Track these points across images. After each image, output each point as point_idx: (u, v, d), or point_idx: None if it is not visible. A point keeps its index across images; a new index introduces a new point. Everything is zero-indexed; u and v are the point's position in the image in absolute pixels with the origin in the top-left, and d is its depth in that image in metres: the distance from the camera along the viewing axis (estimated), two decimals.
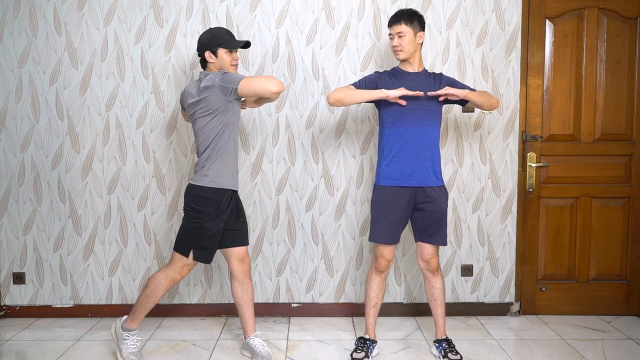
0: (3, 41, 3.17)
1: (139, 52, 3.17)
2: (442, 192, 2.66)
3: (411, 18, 2.58)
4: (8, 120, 3.20)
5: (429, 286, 2.75)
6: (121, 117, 3.20)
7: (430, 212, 2.63)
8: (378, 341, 2.88)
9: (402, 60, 2.65)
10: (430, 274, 2.72)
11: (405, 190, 2.61)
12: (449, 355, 2.67)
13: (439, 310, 2.76)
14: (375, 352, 2.76)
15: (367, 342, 2.75)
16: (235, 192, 2.64)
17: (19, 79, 3.18)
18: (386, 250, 2.67)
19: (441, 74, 2.71)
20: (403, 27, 2.56)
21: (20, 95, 3.19)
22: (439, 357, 2.71)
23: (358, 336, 2.84)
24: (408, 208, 2.64)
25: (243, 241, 2.70)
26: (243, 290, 2.71)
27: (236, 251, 2.68)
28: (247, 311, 2.73)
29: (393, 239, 2.65)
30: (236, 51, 2.61)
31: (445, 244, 2.71)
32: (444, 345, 2.72)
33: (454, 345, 2.74)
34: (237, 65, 2.62)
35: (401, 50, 2.59)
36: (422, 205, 2.63)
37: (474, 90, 2.66)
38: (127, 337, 2.65)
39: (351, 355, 2.71)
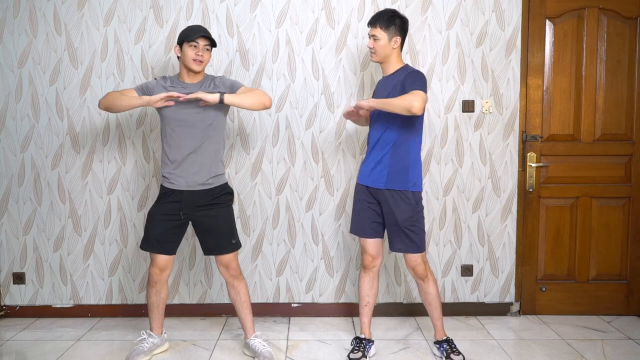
0: (3, 41, 3.17)
1: (139, 52, 3.17)
2: (402, 198, 2.56)
3: (388, 23, 2.55)
4: (8, 120, 3.20)
5: (421, 291, 2.72)
6: (121, 117, 3.20)
7: (385, 215, 2.62)
8: (377, 341, 2.88)
9: (377, 62, 2.67)
10: (420, 280, 2.68)
11: (367, 188, 2.65)
12: (452, 355, 2.67)
13: (435, 313, 2.74)
14: (372, 351, 2.76)
15: (363, 341, 2.75)
16: (182, 191, 2.59)
17: (19, 79, 3.18)
18: (367, 245, 2.68)
19: (410, 72, 2.54)
20: (377, 31, 2.56)
21: (20, 95, 3.19)
22: (441, 358, 2.71)
23: (354, 336, 2.84)
24: (372, 205, 2.65)
25: (221, 250, 2.65)
26: (235, 293, 2.72)
27: (219, 258, 2.68)
28: (243, 312, 2.74)
29: (363, 232, 2.67)
30: (205, 48, 2.57)
31: (404, 251, 2.60)
32: (444, 346, 2.72)
33: (455, 346, 2.73)
34: (200, 62, 2.57)
35: (374, 53, 2.61)
36: (381, 207, 2.63)
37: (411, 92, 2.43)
38: (142, 334, 2.75)
39: (348, 356, 2.70)
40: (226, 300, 3.29)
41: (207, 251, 2.71)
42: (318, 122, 3.21)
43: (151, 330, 2.75)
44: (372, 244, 2.68)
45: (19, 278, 3.28)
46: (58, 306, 3.30)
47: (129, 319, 3.25)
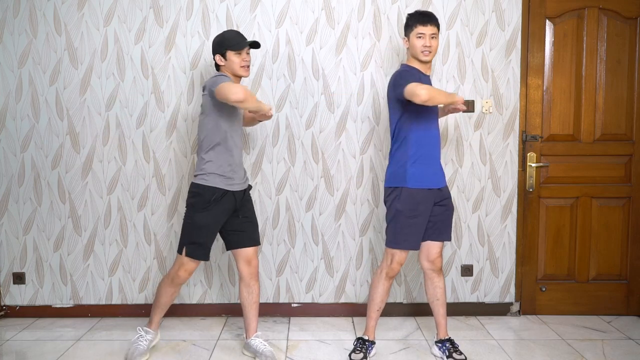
0: (3, 41, 3.17)
1: (139, 52, 3.17)
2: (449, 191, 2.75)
3: (438, 22, 2.60)
4: (8, 120, 3.20)
5: (432, 286, 2.73)
6: (121, 117, 3.20)
7: (446, 209, 2.67)
8: (378, 341, 2.87)
9: (426, 62, 2.59)
10: (435, 274, 2.71)
11: (432, 192, 2.60)
12: (454, 355, 2.67)
13: (441, 310, 2.75)
14: (373, 352, 2.76)
15: (366, 342, 2.75)
16: (234, 192, 2.62)
17: (19, 79, 3.18)
18: (404, 256, 2.66)
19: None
20: (435, 29, 2.56)
21: (20, 95, 3.19)
22: (442, 358, 2.71)
23: (357, 336, 2.83)
24: (431, 209, 2.65)
25: (250, 242, 2.69)
26: (248, 292, 2.72)
27: (243, 252, 2.68)
28: (251, 313, 2.74)
29: (418, 244, 2.66)
30: (247, 53, 2.60)
31: (451, 238, 2.76)
32: (447, 345, 2.72)
33: (458, 345, 2.74)
34: (248, 67, 2.60)
35: (430, 52, 2.55)
36: (441, 203, 2.65)
37: None
38: (139, 331, 2.73)
39: (349, 356, 2.70)
40: (226, 300, 3.29)
41: (241, 243, 2.67)
42: (318, 122, 3.21)
43: (150, 326, 2.74)
44: (406, 254, 2.69)
45: (19, 278, 3.28)
46: (58, 306, 3.30)
47: (129, 319, 3.25)
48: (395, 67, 3.16)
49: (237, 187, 2.63)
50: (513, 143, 3.23)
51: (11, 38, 3.16)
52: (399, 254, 2.64)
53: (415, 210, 2.57)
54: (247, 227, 2.69)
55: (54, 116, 3.20)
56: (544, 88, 3.21)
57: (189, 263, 2.61)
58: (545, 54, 3.19)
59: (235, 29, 3.15)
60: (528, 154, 3.21)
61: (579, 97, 3.20)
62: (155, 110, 3.19)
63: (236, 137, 2.61)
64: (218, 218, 2.58)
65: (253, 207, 2.76)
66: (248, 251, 2.68)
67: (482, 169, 3.24)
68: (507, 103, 3.21)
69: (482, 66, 3.19)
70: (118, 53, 3.17)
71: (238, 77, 2.61)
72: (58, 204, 3.24)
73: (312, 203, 3.25)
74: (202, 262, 3.26)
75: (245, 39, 2.61)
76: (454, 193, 3.24)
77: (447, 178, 3.18)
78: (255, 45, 2.64)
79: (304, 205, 3.25)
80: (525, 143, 3.22)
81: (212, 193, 2.54)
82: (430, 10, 3.12)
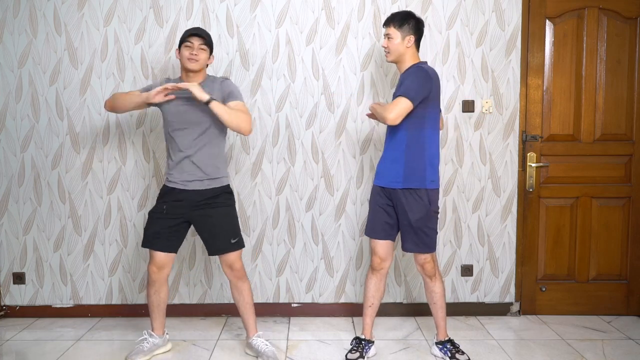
0: (3, 41, 3.17)
1: (139, 52, 3.17)
2: (415, 198, 2.56)
3: (402, 21, 2.57)
4: (8, 120, 3.20)
5: (428, 290, 2.74)
6: (121, 117, 3.20)
7: (398, 215, 2.62)
8: (377, 341, 2.87)
9: (392, 62, 2.66)
10: (428, 279, 2.70)
11: (382, 189, 2.65)
12: (457, 355, 2.67)
13: (439, 313, 2.74)
14: (372, 352, 2.76)
15: (363, 342, 2.74)
16: (186, 193, 2.60)
17: (19, 79, 3.18)
18: (377, 246, 2.67)
19: (409, 71, 2.58)
20: (391, 30, 2.58)
21: (20, 95, 3.19)
22: (443, 359, 2.71)
23: (354, 336, 2.83)
24: (386, 206, 2.64)
25: (220, 250, 2.66)
26: (238, 293, 2.72)
27: (223, 259, 2.68)
28: (246, 312, 2.75)
29: (374, 233, 2.67)
30: (197, 47, 2.56)
31: (415, 251, 2.62)
32: (448, 346, 2.72)
33: (459, 345, 2.74)
34: (192, 60, 2.55)
35: (388, 53, 2.62)
36: (394, 208, 2.63)
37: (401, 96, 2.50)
38: (144, 334, 2.76)
39: (346, 355, 2.70)
40: (226, 300, 3.29)
41: (210, 251, 2.70)
42: (318, 122, 3.21)
43: (152, 330, 2.75)
44: (382, 246, 2.67)
45: (19, 278, 3.28)
46: (58, 306, 3.30)
47: (129, 319, 3.25)
48: (395, 68, 3.16)
49: (181, 186, 2.61)
50: (513, 143, 3.23)
51: (11, 38, 3.16)
52: (373, 245, 2.69)
53: (372, 200, 2.71)
54: (213, 235, 2.64)
55: (54, 116, 3.20)
56: (544, 88, 3.21)
57: (150, 256, 2.68)
58: (545, 54, 3.19)
59: (235, 29, 3.16)
60: (528, 154, 3.21)
61: (579, 97, 3.20)
62: (155, 110, 3.19)
63: (174, 139, 2.63)
64: (159, 210, 2.65)
65: (219, 213, 2.63)
66: (226, 258, 2.66)
67: (482, 169, 3.24)
68: (507, 103, 3.21)
69: (482, 66, 3.19)
70: (118, 53, 3.18)
71: (190, 71, 2.59)
72: (58, 204, 3.24)
73: (312, 203, 3.25)
74: (201, 263, 3.27)
75: (193, 31, 2.59)
76: (454, 193, 3.24)
77: (447, 178, 3.20)
78: (200, 35, 2.57)
79: (304, 205, 3.25)
80: (525, 143, 3.22)
81: (162, 188, 2.71)
82: (429, 10, 3.14)
